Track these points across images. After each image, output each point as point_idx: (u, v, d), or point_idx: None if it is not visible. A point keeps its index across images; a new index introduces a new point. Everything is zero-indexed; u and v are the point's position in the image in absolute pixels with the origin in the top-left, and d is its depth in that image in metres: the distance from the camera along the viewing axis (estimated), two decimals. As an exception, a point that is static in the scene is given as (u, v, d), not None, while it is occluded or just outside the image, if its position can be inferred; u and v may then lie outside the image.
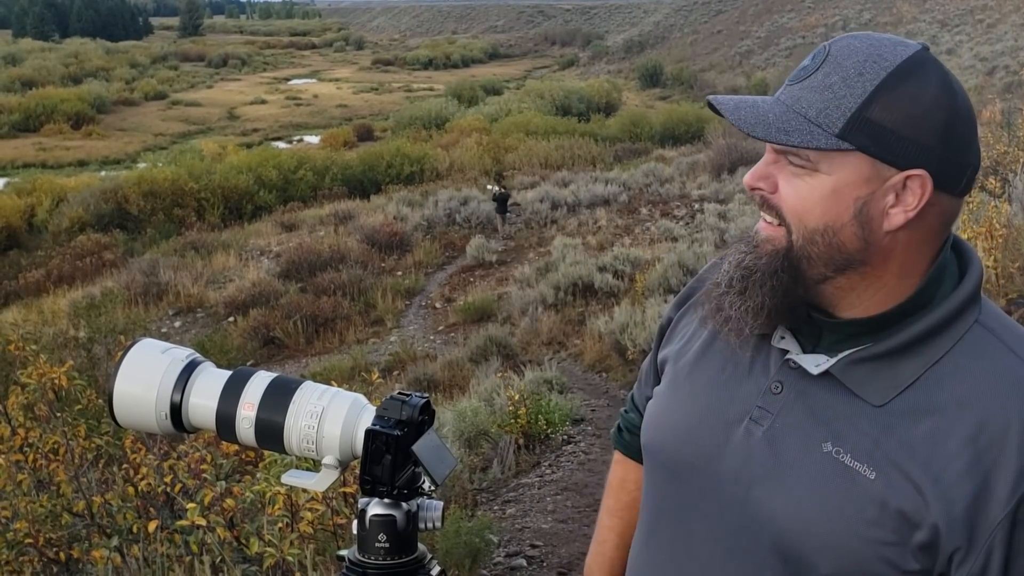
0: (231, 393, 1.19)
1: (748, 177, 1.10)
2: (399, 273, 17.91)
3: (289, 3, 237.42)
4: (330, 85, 77.36)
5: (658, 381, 1.36)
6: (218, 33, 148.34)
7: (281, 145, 44.13)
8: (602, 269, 14.33)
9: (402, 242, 19.63)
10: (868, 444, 1.04)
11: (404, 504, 1.18)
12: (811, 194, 1.05)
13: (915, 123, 1.01)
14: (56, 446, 3.98)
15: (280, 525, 3.35)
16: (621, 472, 1.54)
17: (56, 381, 4.16)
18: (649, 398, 1.37)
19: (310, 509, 3.38)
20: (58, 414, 4.24)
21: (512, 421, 6.99)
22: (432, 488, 1.20)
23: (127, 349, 1.21)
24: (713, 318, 1.16)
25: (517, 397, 7.26)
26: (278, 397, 1.19)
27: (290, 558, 3.11)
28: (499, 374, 9.49)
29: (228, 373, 1.22)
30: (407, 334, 14.50)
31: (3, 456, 3.80)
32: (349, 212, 23.01)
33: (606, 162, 30.47)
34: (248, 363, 13.54)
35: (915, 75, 1.02)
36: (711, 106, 1.11)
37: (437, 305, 16.03)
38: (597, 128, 38.36)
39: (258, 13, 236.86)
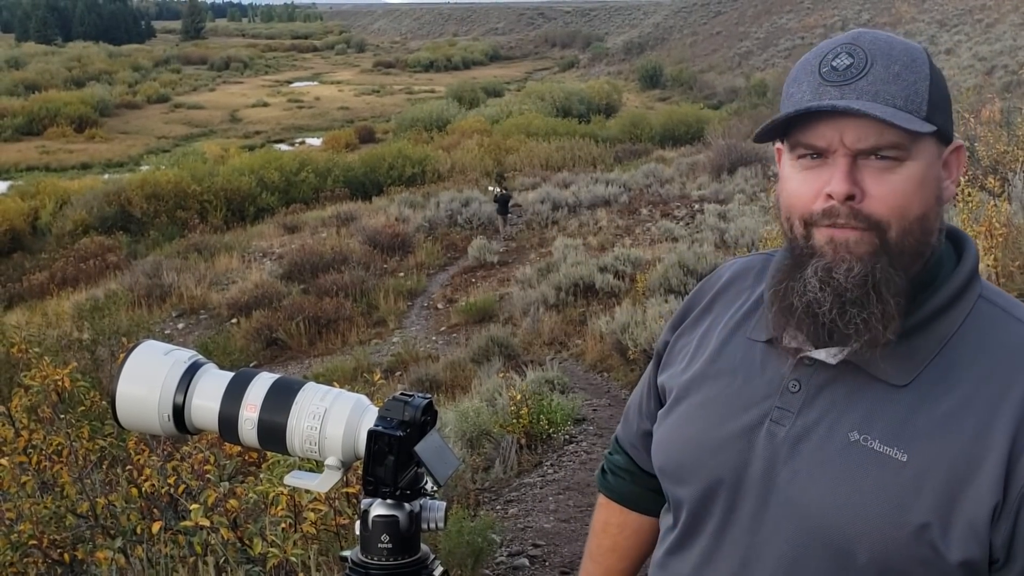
0: (234, 394, 1.20)
1: (841, 185, 1.03)
2: (401, 274, 17.91)
3: (291, 6, 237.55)
4: (332, 87, 77.40)
5: (659, 405, 1.34)
6: (220, 36, 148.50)
7: (283, 147, 44.16)
8: (603, 269, 14.33)
9: (404, 243, 19.64)
10: (896, 427, 1.04)
11: (407, 505, 1.18)
12: (906, 185, 1.03)
13: (947, 101, 1.07)
14: (60, 448, 3.98)
15: (283, 526, 3.35)
16: (604, 515, 1.51)
17: (59, 383, 4.17)
18: (647, 432, 1.36)
19: (313, 510, 3.39)
20: (62, 416, 4.26)
21: (514, 421, 7.00)
22: (435, 489, 1.21)
23: (130, 351, 1.21)
24: (820, 337, 1.09)
25: (519, 397, 7.26)
26: (281, 398, 1.19)
27: (293, 558, 3.12)
28: (501, 374, 9.49)
29: (231, 375, 1.22)
30: (409, 335, 14.51)
31: (7, 458, 3.80)
32: (351, 214, 23.03)
33: (607, 163, 30.48)
34: (251, 364, 13.55)
35: (932, 62, 1.08)
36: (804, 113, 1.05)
37: (439, 306, 16.03)
38: (597, 129, 38.38)
39: (260, 16, 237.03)
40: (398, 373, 12.02)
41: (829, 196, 1.04)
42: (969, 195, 6.67)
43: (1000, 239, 5.92)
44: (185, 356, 1.22)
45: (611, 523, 1.49)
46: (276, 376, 1.22)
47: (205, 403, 1.20)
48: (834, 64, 1.05)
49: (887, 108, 1.01)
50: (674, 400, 1.26)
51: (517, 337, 12.49)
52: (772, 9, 72.96)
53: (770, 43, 64.98)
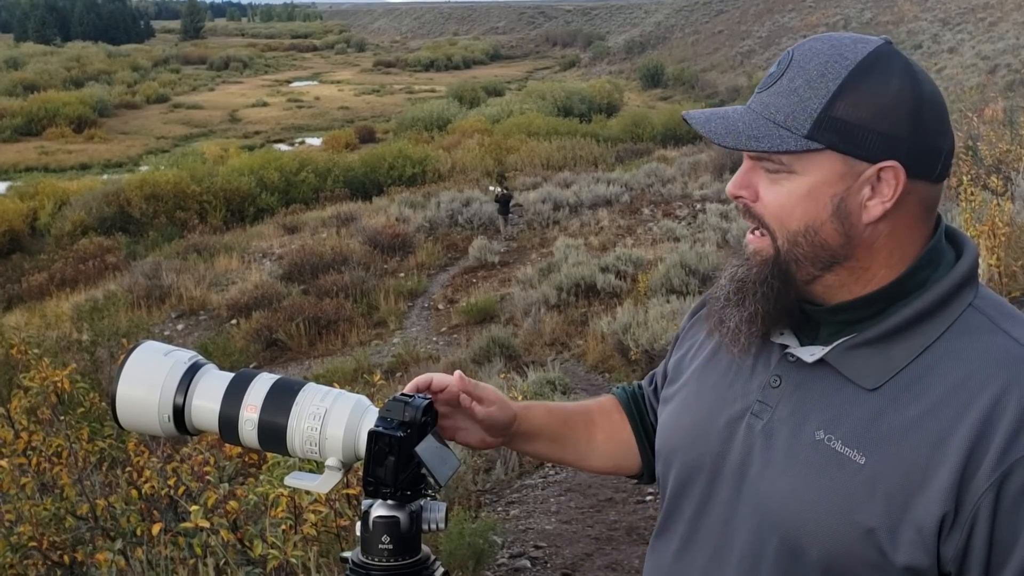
0: (234, 395, 1.19)
1: (730, 186, 1.13)
2: (401, 275, 17.91)
3: (290, 5, 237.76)
4: (332, 87, 77.44)
5: (664, 373, 1.41)
6: (219, 36, 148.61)
7: (283, 147, 44.17)
8: (604, 269, 14.33)
9: (404, 244, 19.63)
10: (859, 429, 1.06)
11: (407, 505, 1.18)
12: (789, 197, 1.08)
13: (882, 116, 1.03)
14: (59, 449, 3.97)
15: (284, 527, 3.34)
16: (603, 400, 1.55)
17: (59, 384, 4.16)
18: (656, 389, 1.44)
19: (313, 511, 3.38)
20: (61, 417, 4.25)
21: (515, 422, 6.98)
22: (436, 489, 1.20)
23: (129, 352, 1.21)
24: (718, 330, 1.18)
25: (520, 398, 7.25)
26: (281, 399, 1.19)
27: (293, 560, 3.11)
28: (502, 375, 9.48)
29: (231, 375, 1.22)
30: (410, 336, 14.50)
31: (7, 460, 3.80)
32: (351, 214, 23.03)
33: (608, 163, 30.50)
34: (251, 365, 13.54)
35: (878, 69, 1.05)
36: (686, 122, 1.15)
37: (440, 306, 16.03)
38: (599, 129, 38.40)
39: (259, 16, 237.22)
40: (399, 374, 12.01)
41: None
42: (972, 194, 6.66)
43: (1003, 238, 5.91)
44: (185, 357, 1.22)
45: (605, 405, 1.52)
46: (276, 377, 1.22)
47: (205, 404, 1.20)
48: (770, 71, 1.11)
49: (759, 124, 1.07)
50: (677, 388, 1.32)
51: (518, 338, 12.49)
52: (774, 8, 72.99)
53: (772, 42, 64.97)
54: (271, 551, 3.11)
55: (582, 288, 13.97)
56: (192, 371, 1.21)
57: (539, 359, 11.21)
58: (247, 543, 3.40)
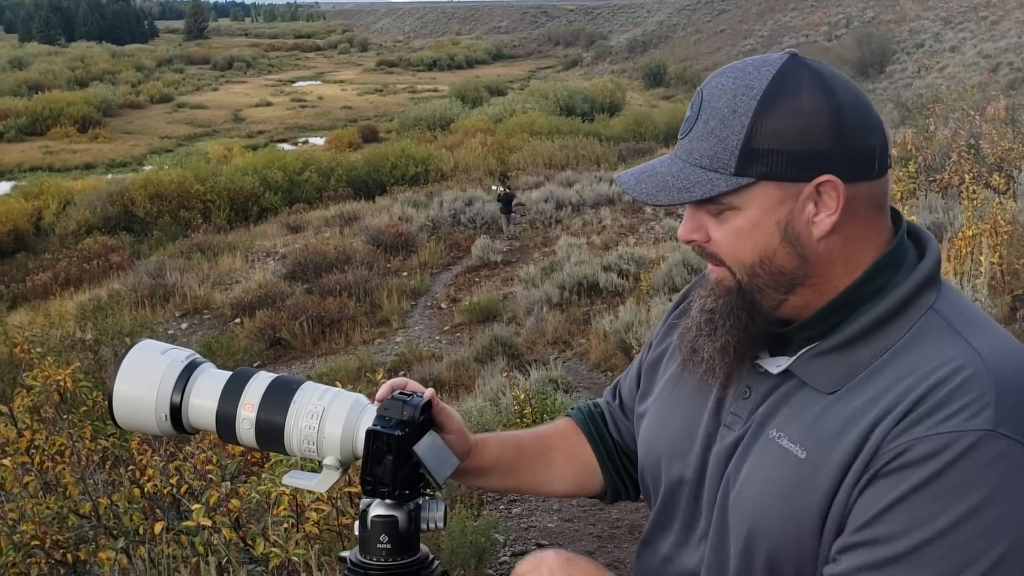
0: (231, 394, 1.19)
1: (681, 233, 1.14)
2: (404, 274, 17.91)
3: (293, 5, 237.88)
4: (335, 87, 77.47)
5: (638, 377, 1.41)
6: (223, 36, 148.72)
7: (286, 147, 44.19)
8: (607, 268, 14.32)
9: (407, 243, 19.63)
10: (806, 426, 1.07)
11: (406, 505, 1.17)
12: (737, 233, 1.08)
13: (802, 135, 1.03)
14: (62, 448, 3.98)
15: (285, 525, 3.35)
16: (557, 424, 1.54)
17: (61, 383, 4.17)
18: (622, 403, 1.46)
19: (315, 509, 3.38)
20: (64, 416, 4.25)
21: (518, 420, 6.98)
22: (434, 489, 1.20)
23: (127, 350, 1.21)
24: (692, 360, 1.19)
25: (523, 397, 7.24)
26: (278, 397, 1.18)
27: (295, 558, 3.11)
28: (504, 374, 9.49)
29: (228, 374, 1.21)
30: (413, 334, 14.50)
31: (10, 458, 3.80)
32: (354, 213, 23.02)
33: (610, 161, 30.45)
34: (254, 364, 13.56)
35: (785, 91, 1.04)
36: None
37: (442, 305, 16.03)
38: (601, 128, 38.36)
39: (263, 15, 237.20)
40: (402, 373, 12.01)
41: None
42: (974, 192, 6.65)
43: (1005, 236, 5.90)
44: (182, 355, 1.22)
45: (561, 428, 1.50)
46: (274, 375, 1.22)
47: (202, 402, 1.20)
48: (687, 115, 1.11)
49: (687, 173, 1.07)
50: (655, 397, 1.33)
51: (521, 336, 12.48)
52: (776, 7, 72.90)
53: (774, 41, 64.87)
54: (273, 549, 3.12)
55: (584, 287, 13.97)
56: (189, 369, 1.20)
57: (541, 358, 11.21)
58: (250, 541, 3.40)
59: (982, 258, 4.94)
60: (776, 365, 1.13)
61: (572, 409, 1.54)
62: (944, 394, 0.99)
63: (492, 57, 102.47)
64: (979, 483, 0.95)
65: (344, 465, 1.20)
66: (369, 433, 1.14)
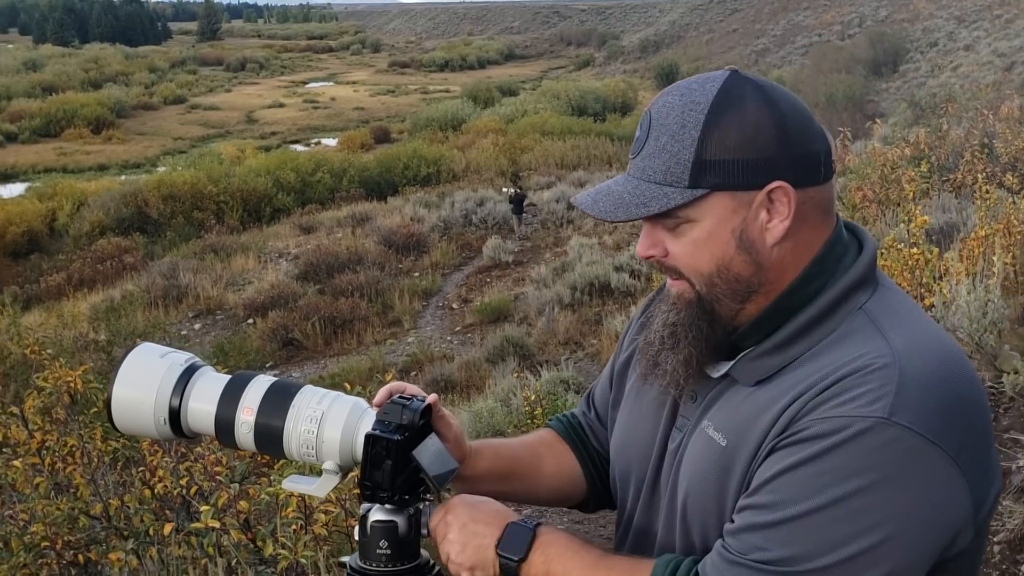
0: (230, 397, 1.18)
1: (639, 250, 1.18)
2: (416, 274, 17.93)
3: (306, 7, 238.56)
4: (347, 88, 77.57)
5: (610, 383, 1.46)
6: (236, 37, 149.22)
7: (299, 148, 44.26)
8: (618, 269, 14.30)
9: (419, 243, 19.66)
10: (727, 415, 1.14)
11: (406, 509, 1.17)
12: (694, 245, 1.13)
13: (750, 144, 1.08)
14: (73, 449, 3.99)
15: (294, 527, 3.34)
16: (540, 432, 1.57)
17: (71, 384, 4.18)
18: (598, 414, 1.51)
19: (324, 511, 3.38)
20: (75, 417, 4.26)
21: (528, 421, 6.98)
22: (434, 493, 1.19)
23: (126, 353, 1.20)
24: (652, 374, 1.23)
25: (534, 397, 7.24)
26: (277, 401, 1.18)
27: (303, 560, 3.11)
28: (516, 374, 9.48)
29: (228, 377, 1.21)
30: (424, 335, 14.51)
31: (20, 459, 3.82)
32: (366, 214, 23.06)
33: (622, 161, 30.26)
34: (267, 365, 13.60)
35: (730, 104, 1.10)
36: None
37: (454, 306, 16.04)
38: (613, 128, 38.23)
39: (275, 17, 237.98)
40: (413, 373, 12.02)
41: None
42: (988, 192, 6.61)
43: (1019, 236, 5.86)
44: (182, 359, 1.21)
45: (546, 438, 1.53)
46: (273, 379, 1.21)
47: (201, 406, 1.19)
48: (636, 135, 1.16)
49: (642, 189, 1.11)
50: (623, 407, 1.39)
51: (532, 337, 12.48)
52: (789, 6, 72.64)
53: (787, 40, 64.65)
54: (281, 551, 3.11)
55: (596, 287, 13.95)
56: (189, 373, 1.20)
57: (553, 358, 11.20)
58: (259, 543, 3.40)
59: (995, 258, 4.90)
60: (717, 370, 1.19)
61: (551, 420, 1.58)
62: (849, 382, 1.03)
63: (504, 57, 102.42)
64: (866, 467, 1.00)
65: (344, 469, 1.19)
66: (368, 437, 1.14)
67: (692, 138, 1.09)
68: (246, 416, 1.17)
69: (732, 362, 1.17)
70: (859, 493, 0.99)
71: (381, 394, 1.24)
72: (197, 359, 1.22)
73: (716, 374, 1.19)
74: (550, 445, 1.50)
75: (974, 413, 1.05)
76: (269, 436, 1.18)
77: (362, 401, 1.20)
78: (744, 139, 1.08)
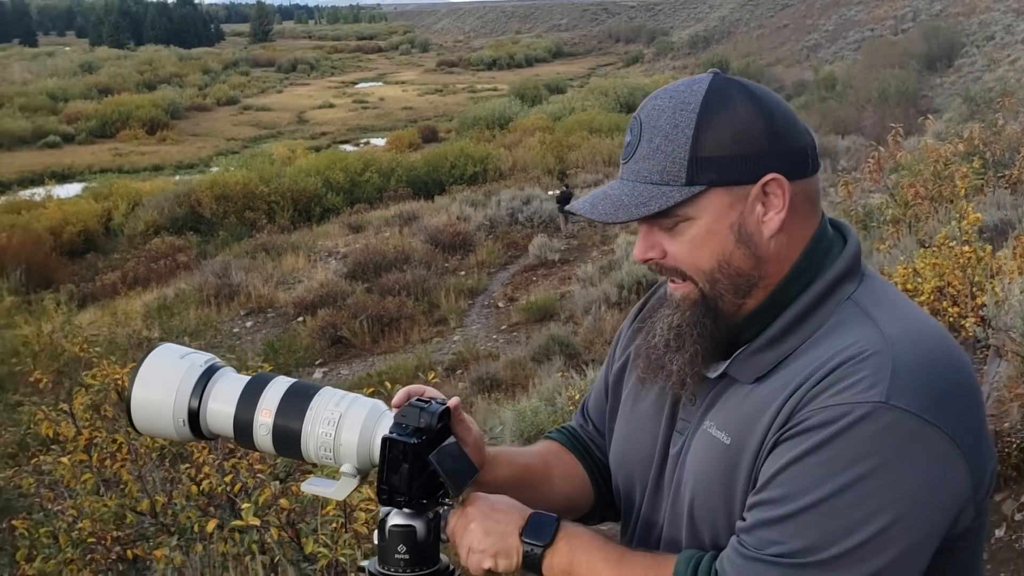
0: (249, 399, 1.18)
1: (637, 253, 1.21)
2: (462, 273, 17.97)
3: (356, 7, 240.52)
4: (396, 88, 77.97)
5: (606, 393, 1.48)
6: (287, 38, 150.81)
7: (348, 148, 44.59)
8: (666, 267, 14.18)
9: (465, 242, 19.71)
10: (730, 414, 1.16)
11: (425, 514, 1.15)
12: (693, 242, 1.15)
13: (742, 139, 1.12)
14: (120, 446, 4.05)
15: (335, 525, 3.36)
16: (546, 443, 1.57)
17: (119, 381, 4.24)
18: (595, 426, 1.52)
19: (364, 509, 3.39)
20: (123, 414, 4.32)
21: (573, 421, 6.94)
22: (453, 498, 1.17)
23: (146, 354, 1.20)
24: (657, 376, 1.25)
25: (578, 397, 7.20)
26: (296, 403, 1.17)
27: (343, 559, 3.12)
28: (561, 373, 9.46)
29: (247, 378, 1.20)
30: (470, 333, 14.54)
31: (68, 456, 3.88)
32: (413, 213, 23.18)
33: (671, 159, 30.12)
34: (316, 362, 13.74)
35: (719, 103, 1.14)
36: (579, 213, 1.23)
37: (500, 304, 16.04)
38: (662, 125, 37.96)
39: (326, 18, 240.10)
40: (459, 371, 12.05)
41: None
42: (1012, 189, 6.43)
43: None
44: (201, 360, 1.21)
45: (552, 448, 1.53)
46: (292, 380, 1.20)
47: (220, 407, 1.19)
48: (626, 140, 1.19)
49: (640, 190, 1.14)
50: (620, 415, 1.40)
51: (578, 336, 12.44)
52: (840, 1, 71.56)
53: (839, 35, 63.68)
54: (321, 550, 3.13)
55: (643, 286, 13.84)
56: (208, 374, 1.20)
57: (599, 358, 11.14)
58: (301, 540, 3.42)
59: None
60: (714, 370, 1.21)
61: (550, 432, 1.58)
62: (845, 369, 1.06)
63: (552, 55, 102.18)
64: (869, 452, 1.02)
65: (362, 472, 1.18)
66: (384, 440, 1.13)
67: (686, 137, 1.12)
68: (264, 418, 1.17)
69: (728, 361, 1.19)
70: (865, 478, 1.02)
71: (399, 396, 1.24)
72: (217, 360, 1.22)
73: (713, 375, 1.21)
74: (557, 455, 1.50)
75: (967, 393, 1.08)
76: (287, 438, 1.17)
77: (380, 403, 1.19)
78: (736, 135, 1.12)
